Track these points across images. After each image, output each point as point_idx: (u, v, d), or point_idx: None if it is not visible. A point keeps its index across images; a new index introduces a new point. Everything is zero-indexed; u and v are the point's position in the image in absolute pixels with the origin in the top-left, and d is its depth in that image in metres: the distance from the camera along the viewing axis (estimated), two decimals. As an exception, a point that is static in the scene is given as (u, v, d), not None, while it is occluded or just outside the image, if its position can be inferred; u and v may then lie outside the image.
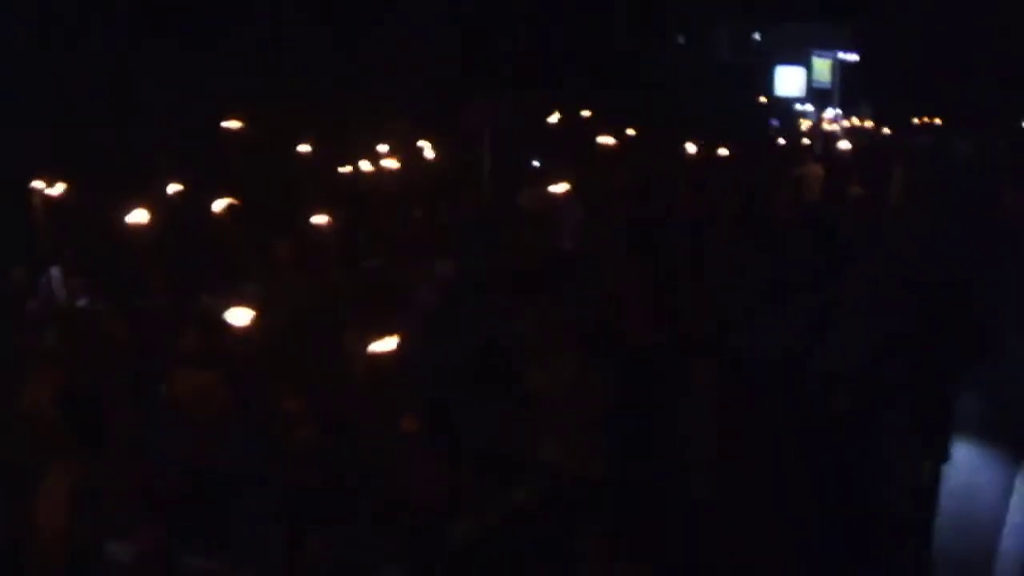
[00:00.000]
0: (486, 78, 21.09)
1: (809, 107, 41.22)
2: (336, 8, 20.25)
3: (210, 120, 12.87)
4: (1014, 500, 9.64)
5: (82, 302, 10.47)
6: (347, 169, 15.45)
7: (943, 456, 9.58)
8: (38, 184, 11.69)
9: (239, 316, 7.97)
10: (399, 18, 21.24)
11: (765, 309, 10.26)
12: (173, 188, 12.71)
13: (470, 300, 10.49)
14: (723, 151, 19.10)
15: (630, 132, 19.92)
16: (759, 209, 15.52)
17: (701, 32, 36.21)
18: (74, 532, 6.26)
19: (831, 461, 8.18)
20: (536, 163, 17.06)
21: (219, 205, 11.09)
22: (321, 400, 7.95)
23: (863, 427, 8.44)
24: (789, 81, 44.80)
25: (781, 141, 25.61)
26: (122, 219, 10.40)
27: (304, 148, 14.24)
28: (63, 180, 11.87)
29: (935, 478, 9.51)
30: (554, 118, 20.72)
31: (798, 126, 33.29)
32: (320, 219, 11.00)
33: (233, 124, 12.13)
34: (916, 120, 36.31)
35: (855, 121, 37.64)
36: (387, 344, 7.09)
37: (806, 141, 26.58)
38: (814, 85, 45.68)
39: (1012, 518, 9.38)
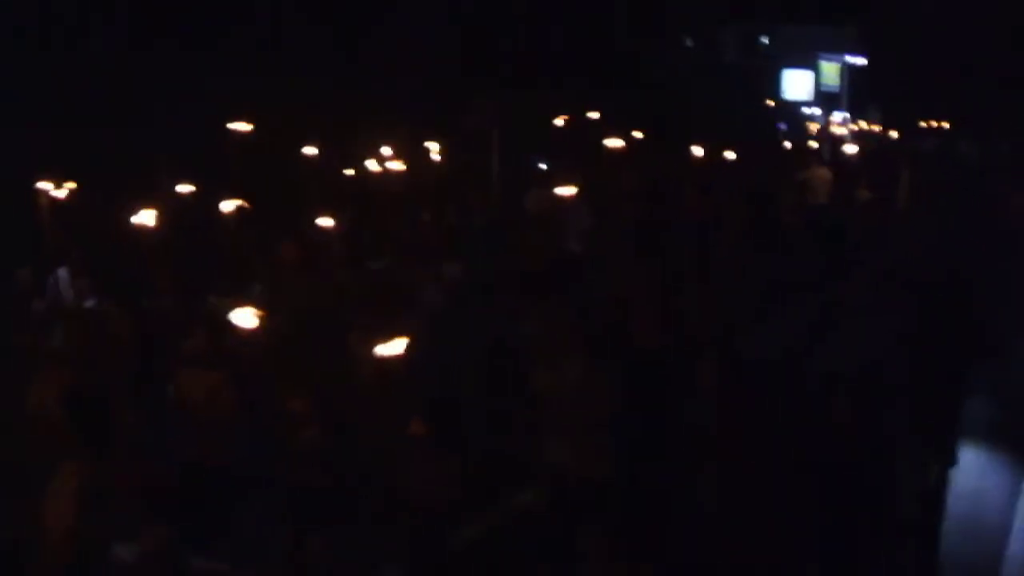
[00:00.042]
0: (488, 78, 21.08)
1: (817, 111, 41.21)
2: (337, 8, 20.25)
3: (213, 121, 12.86)
4: (1021, 504, 9.64)
5: (89, 302, 10.47)
6: (353, 170, 15.44)
7: (950, 460, 9.57)
8: (44, 185, 11.70)
9: (245, 316, 7.97)
10: (400, 18, 21.23)
11: (770, 311, 10.25)
12: (179, 189, 12.71)
13: (477, 302, 10.48)
14: (730, 154, 19.08)
15: (637, 135, 19.91)
16: (765, 212, 15.51)
17: (708, 35, 36.17)
18: (81, 533, 6.26)
19: (836, 463, 8.15)
20: (542, 165, 17.06)
21: (227, 206, 11.09)
22: (326, 401, 7.94)
23: (868, 429, 8.42)
24: (797, 84, 44.79)
25: (788, 144, 25.57)
26: (128, 220, 10.41)
27: (309, 149, 14.25)
28: (69, 181, 11.88)
29: (942, 482, 9.50)
30: (560, 120, 20.72)
31: (805, 129, 33.28)
32: (326, 220, 11.00)
33: (237, 125, 12.12)
34: (924, 123, 36.28)
35: (863, 124, 37.62)
36: (393, 345, 7.08)
37: (813, 144, 26.55)
38: (822, 88, 45.66)
39: (1019, 522, 9.38)
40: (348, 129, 17.58)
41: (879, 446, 8.57)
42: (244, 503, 7.49)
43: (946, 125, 37.32)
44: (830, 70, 46.49)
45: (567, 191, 13.20)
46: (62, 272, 10.99)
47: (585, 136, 19.50)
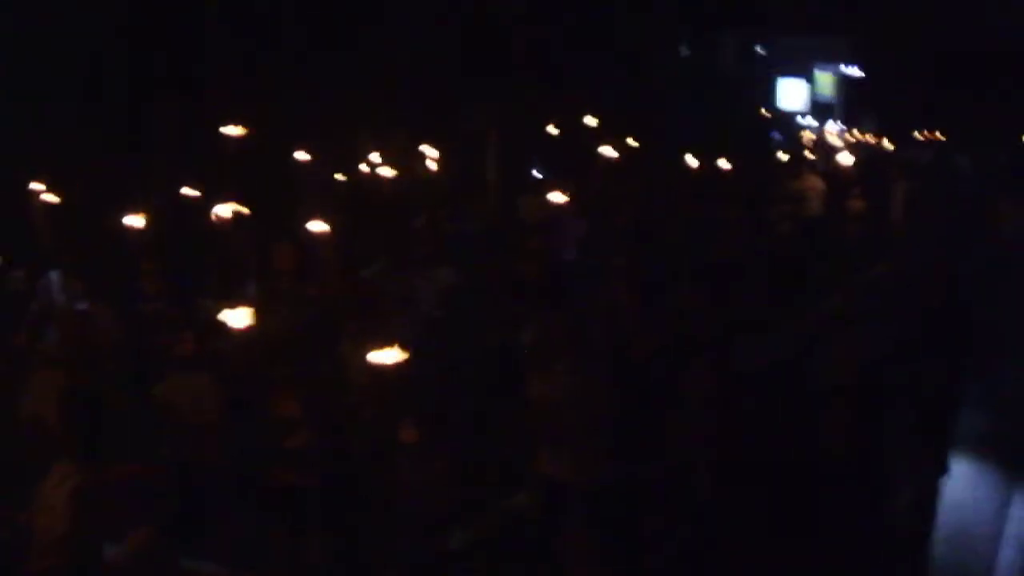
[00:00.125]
0: (484, 84, 21.05)
1: (812, 120, 41.26)
2: (332, 11, 20.21)
3: (208, 123, 12.83)
4: (1012, 513, 9.66)
5: (81, 305, 10.46)
6: (347, 175, 15.42)
7: (942, 469, 9.59)
8: (37, 186, 11.68)
9: (235, 317, 7.96)
10: (396, 21, 21.20)
11: (765, 320, 10.26)
12: (172, 192, 12.69)
13: (471, 309, 10.48)
14: (724, 163, 19.08)
15: (632, 143, 19.90)
16: (759, 221, 15.53)
17: (703, 43, 36.19)
18: (74, 535, 6.25)
19: (829, 472, 8.17)
20: (538, 173, 17.08)
21: (222, 210, 11.06)
22: (317, 406, 7.93)
23: (861, 439, 8.43)
24: (791, 94, 44.86)
25: (781, 154, 25.58)
26: (121, 222, 10.39)
27: (303, 153, 14.22)
28: (62, 183, 11.86)
29: (934, 491, 9.52)
30: (554, 128, 20.71)
31: (800, 139, 33.31)
32: (320, 226, 10.98)
33: (231, 129, 12.08)
34: (918, 134, 36.35)
35: (857, 135, 37.68)
36: (387, 352, 7.07)
37: (808, 154, 26.59)
38: (816, 99, 45.75)
39: (1010, 531, 9.39)
40: (343, 133, 17.55)
41: (872, 455, 8.60)
42: (235, 505, 7.49)
43: (940, 136, 37.33)
44: (824, 80, 46.57)
45: (561, 198, 13.19)
46: (54, 274, 10.97)
47: (580, 144, 19.50)
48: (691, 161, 18.75)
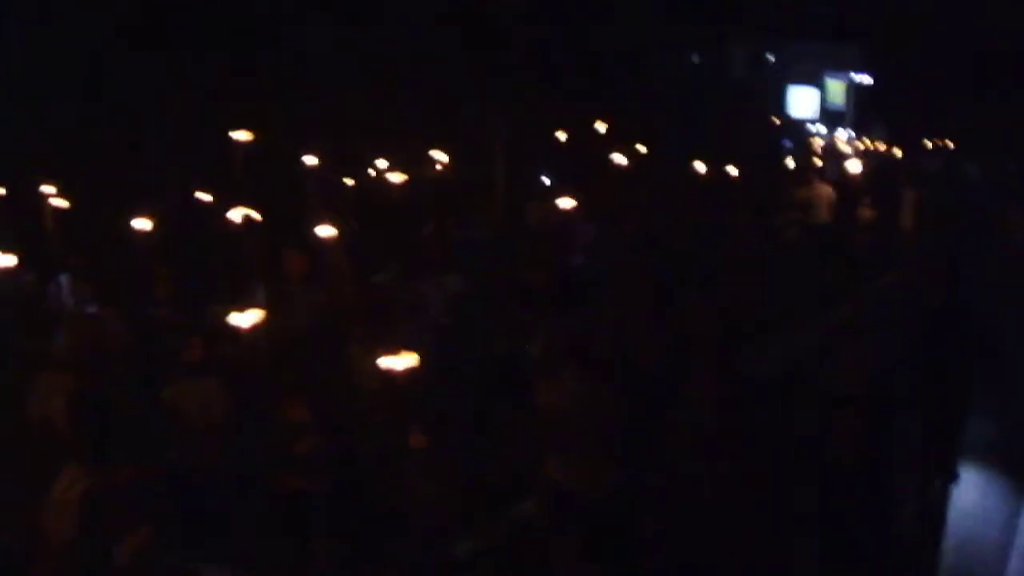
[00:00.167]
0: (493, 87, 21.04)
1: (822, 128, 41.22)
2: (342, 17, 20.21)
3: (218, 129, 12.87)
4: (1022, 522, 9.63)
5: (90, 309, 10.48)
6: (356, 181, 15.43)
7: (951, 477, 9.58)
8: (47, 190, 11.71)
9: (244, 318, 7.97)
10: (406, 29, 21.21)
11: (774, 329, 10.26)
12: (182, 196, 12.73)
13: (479, 316, 10.47)
14: (733, 170, 19.08)
15: (641, 150, 19.92)
16: (768, 228, 15.53)
17: (715, 51, 36.18)
18: (84, 538, 6.26)
19: (837, 480, 8.15)
20: (547, 179, 17.09)
21: (233, 215, 11.08)
22: (326, 411, 7.93)
23: (870, 447, 8.41)
24: (802, 102, 44.82)
25: (791, 162, 25.57)
26: (130, 226, 10.42)
27: (312, 159, 14.24)
28: (71, 186, 11.89)
29: (943, 499, 9.50)
30: (564, 135, 20.72)
31: (810, 146, 33.26)
32: (330, 231, 10.99)
33: (240, 134, 12.10)
34: (929, 142, 36.30)
35: (867, 143, 37.64)
36: (395, 358, 7.07)
37: (817, 162, 26.56)
38: (827, 107, 45.70)
39: (1019, 540, 9.36)
40: (351, 138, 17.56)
41: (880, 464, 8.57)
42: (242, 510, 7.49)
43: (950, 144, 37.28)
44: (836, 88, 46.53)
45: (569, 204, 13.19)
46: (63, 278, 11.00)
47: (589, 150, 19.50)
48: (700, 168, 18.75)
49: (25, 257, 10.67)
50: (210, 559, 6.92)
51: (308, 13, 19.78)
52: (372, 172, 15.68)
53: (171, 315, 10.04)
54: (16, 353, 9.20)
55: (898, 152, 33.98)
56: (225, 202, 11.61)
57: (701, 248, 13.10)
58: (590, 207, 14.68)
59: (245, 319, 7.92)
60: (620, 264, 12.48)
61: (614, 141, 18.36)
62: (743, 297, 10.39)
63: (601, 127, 20.77)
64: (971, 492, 10.06)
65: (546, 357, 8.48)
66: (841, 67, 45.44)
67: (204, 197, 12.32)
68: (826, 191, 19.60)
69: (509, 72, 21.57)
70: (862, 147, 36.56)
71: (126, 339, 9.71)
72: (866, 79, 46.11)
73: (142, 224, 10.40)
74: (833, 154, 31.16)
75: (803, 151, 30.98)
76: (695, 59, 35.37)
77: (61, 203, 11.59)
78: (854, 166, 22.11)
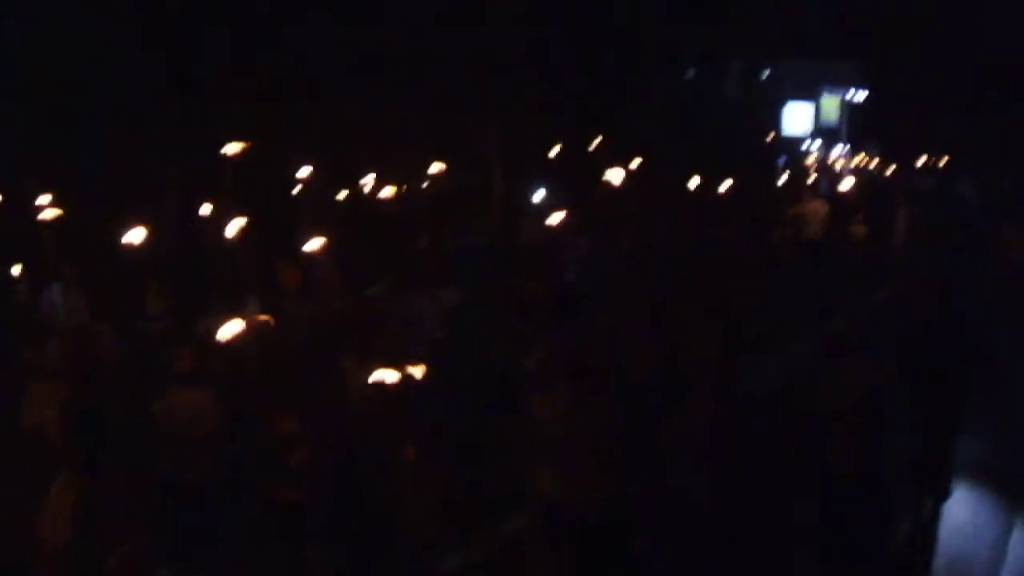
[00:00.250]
0: (490, 100, 21.04)
1: (816, 144, 41.27)
2: (340, 27, 20.18)
3: (211, 140, 12.85)
4: (1013, 540, 9.64)
5: (82, 320, 10.48)
6: (350, 192, 15.40)
7: (943, 495, 9.59)
8: (43, 200, 11.70)
9: (231, 329, 7.97)
10: (403, 41, 21.17)
11: (767, 344, 10.27)
12: (180, 207, 12.73)
13: (474, 329, 10.48)
14: (726, 185, 19.09)
15: (636, 165, 19.93)
16: (761, 244, 15.54)
17: (710, 66, 36.21)
18: (77, 546, 6.26)
19: (830, 496, 8.16)
20: (543, 193, 17.10)
21: (232, 227, 11.07)
22: (317, 423, 7.93)
23: (863, 463, 8.42)
24: (797, 117, 44.88)
25: (785, 178, 25.60)
26: (124, 237, 10.40)
27: (307, 171, 14.23)
28: (68, 194, 11.88)
29: (935, 516, 9.52)
30: (558, 150, 20.73)
31: (804, 163, 33.31)
32: (324, 244, 10.98)
33: (233, 145, 12.08)
34: (922, 159, 36.35)
35: (861, 159, 37.69)
36: (390, 371, 7.08)
37: (811, 178, 26.60)
38: (821, 124, 45.76)
39: (1010, 558, 9.37)
40: (347, 150, 17.55)
41: (873, 480, 8.58)
42: (235, 521, 7.49)
43: (944, 160, 37.31)
44: (830, 105, 46.62)
45: (564, 218, 13.20)
46: (56, 288, 10.99)
47: (583, 165, 19.51)
48: (694, 183, 18.77)
49: (19, 266, 10.69)
50: (202, 570, 6.92)
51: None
52: (367, 183, 15.65)
53: (164, 327, 10.03)
54: (9, 363, 9.20)
55: (892, 169, 34.01)
56: (220, 213, 11.59)
57: (695, 262, 13.10)
58: (585, 221, 14.69)
59: (232, 330, 7.92)
60: (615, 278, 12.49)
61: (609, 155, 18.37)
62: (737, 312, 10.40)
63: (595, 143, 20.80)
64: (963, 510, 10.08)
65: (541, 370, 8.49)
66: (836, 83, 45.52)
67: (200, 208, 12.30)
68: (819, 208, 19.64)
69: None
70: (856, 163, 36.60)
71: (119, 350, 9.71)
72: (860, 96, 46.19)
73: (136, 236, 10.37)
74: (826, 170, 31.22)
75: (797, 167, 31.01)
76: (690, 74, 35.40)
77: (56, 211, 11.57)
78: (847, 182, 22.16)
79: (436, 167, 16.38)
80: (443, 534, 7.33)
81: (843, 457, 8.35)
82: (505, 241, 15.54)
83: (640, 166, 18.98)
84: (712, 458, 8.14)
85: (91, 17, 16.52)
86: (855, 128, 45.65)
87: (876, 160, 36.52)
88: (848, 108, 46.81)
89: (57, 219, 11.22)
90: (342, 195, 15.04)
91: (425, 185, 16.23)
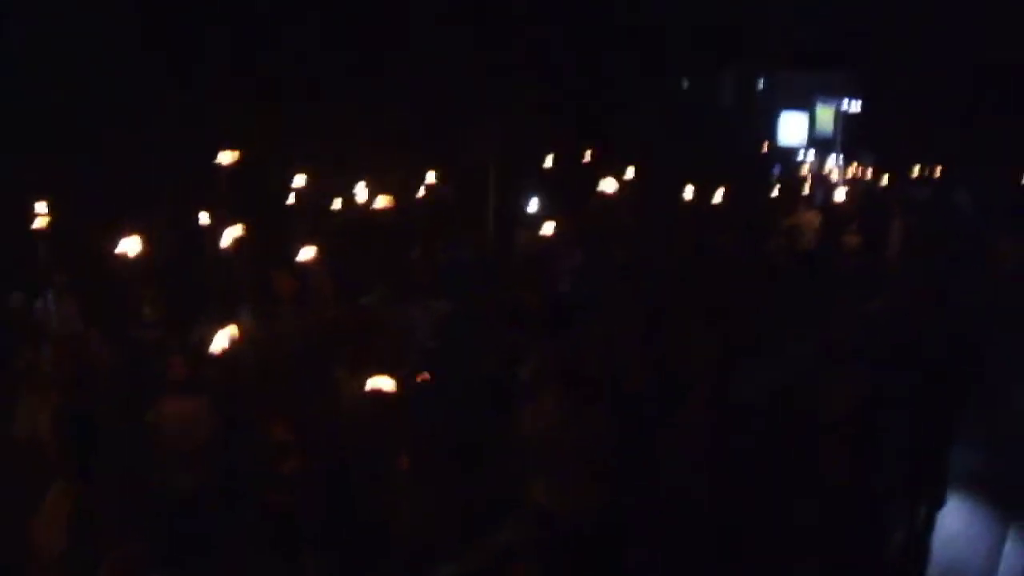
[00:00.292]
0: (485, 114, 21.03)
1: (811, 154, 41.32)
2: (337, 39, 20.17)
3: (206, 149, 12.83)
4: (1006, 550, 9.65)
5: (75, 327, 10.47)
6: (344, 202, 15.39)
7: (938, 504, 9.60)
8: (38, 208, 11.69)
9: (228, 337, 7.97)
10: (398, 53, 21.15)
11: (761, 354, 10.27)
12: (175, 216, 12.71)
13: (466, 339, 10.48)
14: (721, 195, 19.09)
15: (629, 175, 19.93)
16: (754, 254, 15.56)
17: (705, 77, 36.27)
18: (72, 554, 6.26)
19: (824, 506, 8.16)
20: (536, 203, 17.10)
21: (224, 235, 11.06)
22: (310, 432, 7.92)
23: (857, 473, 8.43)
24: (792, 127, 44.95)
25: (779, 188, 25.61)
26: (118, 245, 10.38)
27: (301, 181, 14.22)
28: (63, 201, 11.86)
29: (929, 526, 9.52)
30: (552, 160, 20.73)
31: (798, 173, 33.34)
32: (318, 253, 10.98)
33: (226, 155, 12.07)
34: (917, 170, 36.37)
35: (855, 169, 37.73)
36: (383, 381, 7.08)
37: (805, 188, 26.62)
38: (816, 135, 45.82)
39: (1004, 568, 9.38)
40: (345, 156, 17.54)
41: (866, 490, 8.59)
42: (228, 529, 7.48)
43: (939, 171, 37.34)
44: (825, 116, 46.69)
45: (558, 229, 13.20)
46: (49, 296, 10.98)
47: (577, 175, 19.51)
48: (688, 193, 18.78)
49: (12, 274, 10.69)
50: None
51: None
52: (361, 193, 15.64)
53: (158, 334, 10.03)
54: (3, 370, 9.19)
55: (886, 179, 34.06)
56: (215, 222, 11.59)
57: (690, 272, 13.11)
58: (579, 231, 14.69)
59: (224, 338, 7.93)
60: (609, 288, 12.50)
61: (602, 167, 18.36)
62: (732, 322, 10.41)
63: (588, 153, 20.79)
64: (957, 520, 10.08)
65: (534, 380, 8.49)
66: (831, 93, 45.60)
67: (195, 215, 12.29)
68: (811, 218, 19.66)
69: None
70: (850, 174, 36.65)
71: (112, 357, 9.70)
72: (855, 106, 46.27)
73: (131, 243, 10.35)
74: (821, 180, 31.25)
75: (791, 177, 31.04)
76: (684, 84, 35.45)
77: (49, 218, 11.55)
78: (841, 192, 22.18)
79: (431, 177, 16.38)
80: (437, 543, 7.31)
81: (837, 467, 8.36)
82: (497, 253, 15.55)
83: (635, 175, 18.97)
84: (707, 468, 8.12)
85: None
86: (850, 138, 45.73)
87: (871, 170, 36.57)
88: (843, 118, 46.88)
89: (50, 225, 11.21)
90: (336, 204, 15.04)
91: (420, 195, 16.22)
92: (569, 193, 17.66)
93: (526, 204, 15.56)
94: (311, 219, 13.54)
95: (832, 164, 38.58)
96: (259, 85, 18.47)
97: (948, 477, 9.98)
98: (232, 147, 11.97)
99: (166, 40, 17.26)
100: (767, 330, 10.91)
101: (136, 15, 17.09)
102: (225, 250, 10.77)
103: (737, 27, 33.77)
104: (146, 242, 10.36)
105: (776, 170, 34.84)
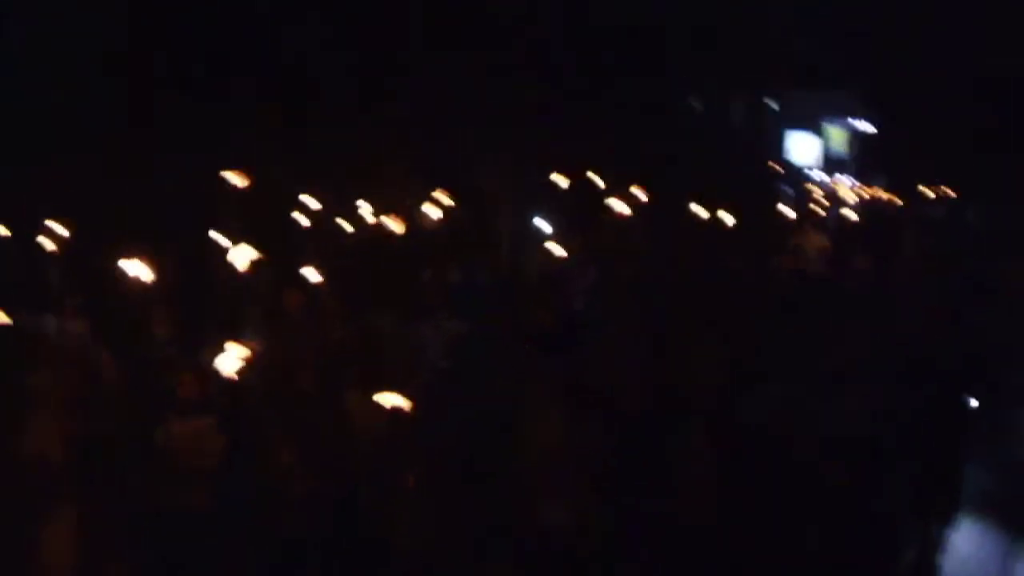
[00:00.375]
0: (496, 134, 21.06)
1: (824, 175, 41.27)
2: (345, 62, 20.20)
3: (218, 169, 12.87)
4: (1018, 571, 9.62)
5: (84, 346, 10.48)
6: (355, 223, 15.41)
7: (949, 523, 9.56)
8: (49, 226, 11.73)
9: (232, 357, 7.98)
10: (409, 77, 21.18)
11: (769, 374, 10.25)
12: (184, 235, 12.74)
13: (478, 359, 10.47)
14: (731, 216, 19.09)
15: (640, 195, 19.94)
16: (765, 274, 15.55)
17: (716, 98, 36.27)
18: (78, 573, 6.27)
19: (833, 527, 8.14)
20: (547, 223, 17.12)
21: (237, 256, 11.08)
22: (319, 452, 7.92)
23: (866, 494, 8.41)
24: (802, 148, 44.87)
25: (787, 209, 25.60)
26: (128, 264, 10.41)
27: (312, 200, 14.25)
28: (72, 224, 11.90)
29: (940, 546, 9.48)
30: (564, 180, 20.75)
31: (809, 193, 33.29)
32: (328, 273, 11.00)
33: (235, 175, 12.11)
34: (930, 190, 36.34)
35: (868, 190, 37.71)
36: (393, 401, 7.09)
37: (816, 209, 26.60)
38: (830, 154, 45.77)
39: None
40: (353, 181, 17.56)
41: (877, 511, 8.56)
42: (235, 551, 7.47)
43: (951, 193, 37.29)
44: (838, 136, 46.63)
45: (570, 249, 13.22)
46: (59, 315, 10.99)
47: (589, 196, 19.53)
48: (699, 214, 18.79)
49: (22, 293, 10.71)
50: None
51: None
52: (371, 213, 15.67)
53: (168, 354, 10.03)
54: (11, 389, 9.20)
55: (899, 200, 34.01)
56: (225, 241, 11.62)
57: (699, 292, 13.10)
58: (590, 251, 14.70)
59: (233, 358, 7.93)
60: (618, 308, 12.49)
61: (614, 187, 18.39)
62: (739, 342, 10.39)
63: (600, 174, 20.81)
64: (968, 540, 10.04)
65: (539, 401, 8.48)
66: (841, 113, 45.56)
67: (206, 234, 12.32)
68: (817, 240, 19.67)
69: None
70: (864, 195, 36.60)
71: (121, 377, 9.70)
72: (868, 127, 46.25)
73: (140, 265, 10.38)
74: (833, 201, 31.21)
75: (802, 198, 31.03)
76: (696, 105, 35.46)
77: (61, 238, 11.59)
78: (852, 213, 22.17)
79: (444, 198, 16.41)
80: (443, 562, 7.30)
81: (847, 487, 8.33)
82: (509, 275, 15.55)
83: (645, 196, 19.00)
84: (712, 487, 8.10)
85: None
86: (863, 158, 45.69)
87: (883, 191, 36.55)
88: (856, 139, 46.85)
89: (60, 245, 11.24)
90: (347, 225, 15.08)
91: (435, 216, 16.23)
92: (581, 213, 17.68)
93: (538, 224, 15.58)
94: (321, 239, 13.57)
95: (845, 183, 38.52)
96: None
97: (960, 497, 9.95)
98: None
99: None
100: (776, 350, 10.89)
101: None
102: (235, 270, 10.80)
103: (745, 46, 33.77)
104: (156, 262, 10.39)
105: (787, 189, 34.84)
